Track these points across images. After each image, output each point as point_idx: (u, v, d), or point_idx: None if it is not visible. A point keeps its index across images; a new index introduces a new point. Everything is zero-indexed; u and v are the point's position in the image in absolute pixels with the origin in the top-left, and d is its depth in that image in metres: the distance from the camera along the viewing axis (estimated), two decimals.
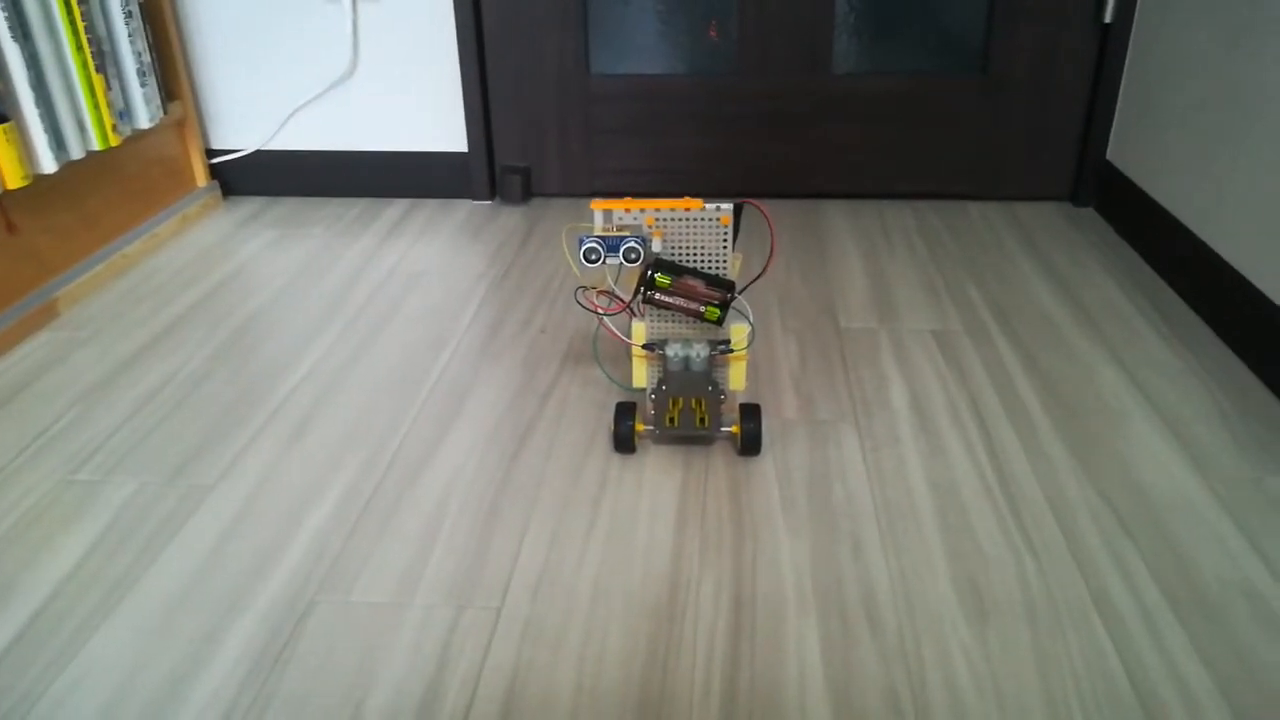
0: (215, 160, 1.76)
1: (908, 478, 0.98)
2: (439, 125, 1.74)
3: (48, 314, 1.32)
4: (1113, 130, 1.64)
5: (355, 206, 1.76)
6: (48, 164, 1.28)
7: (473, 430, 1.07)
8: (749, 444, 1.00)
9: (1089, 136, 1.66)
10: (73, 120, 1.33)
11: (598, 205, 0.93)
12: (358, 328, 1.30)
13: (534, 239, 1.60)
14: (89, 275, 1.40)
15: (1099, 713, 0.71)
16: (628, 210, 0.93)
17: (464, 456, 1.03)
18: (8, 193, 1.24)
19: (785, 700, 0.73)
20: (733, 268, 0.96)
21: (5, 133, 1.20)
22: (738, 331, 0.96)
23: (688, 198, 0.93)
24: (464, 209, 1.74)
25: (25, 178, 1.24)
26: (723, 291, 0.93)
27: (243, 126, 1.75)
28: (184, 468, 1.01)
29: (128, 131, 1.47)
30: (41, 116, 1.26)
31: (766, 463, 1.00)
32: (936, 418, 1.08)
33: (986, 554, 0.87)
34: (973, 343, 1.24)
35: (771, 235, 1.02)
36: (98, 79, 1.36)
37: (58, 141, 1.30)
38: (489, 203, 1.77)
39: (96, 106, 1.36)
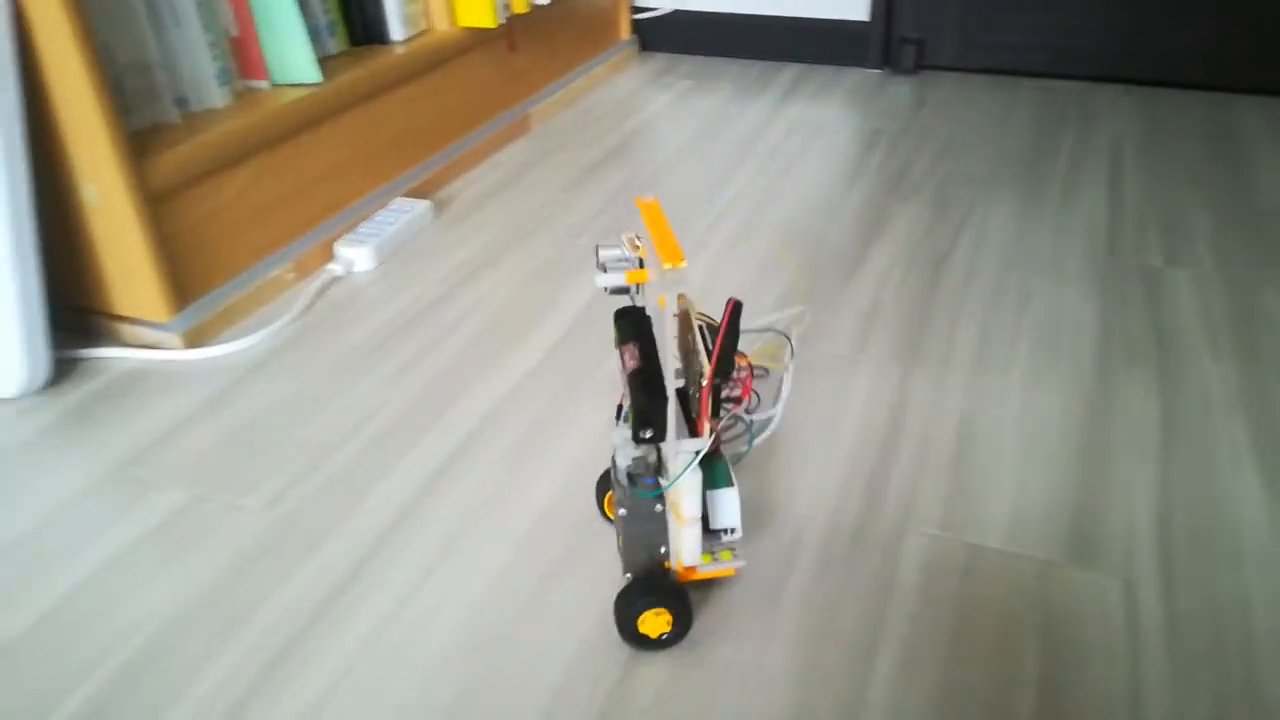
0: (637, 16, 1.97)
1: None
2: None
3: (522, 127, 1.58)
4: None
5: (754, 68, 1.91)
6: None
7: (896, 246, 1.20)
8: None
9: None
10: None
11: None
12: (774, 160, 1.46)
13: (926, 107, 1.69)
14: (550, 100, 1.65)
15: None
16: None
17: (889, 265, 1.16)
18: (514, 16, 1.49)
19: (1219, 485, 0.82)
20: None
21: None
22: (678, 464, 0.61)
23: (675, 251, 0.57)
24: (855, 76, 1.85)
25: (527, 5, 1.48)
26: (648, 396, 0.60)
27: None
28: None
29: None
30: None
31: (1185, 298, 1.07)
32: None
33: None
34: None
35: (720, 336, 0.60)
36: None
37: None
38: (879, 72, 1.87)
39: None
